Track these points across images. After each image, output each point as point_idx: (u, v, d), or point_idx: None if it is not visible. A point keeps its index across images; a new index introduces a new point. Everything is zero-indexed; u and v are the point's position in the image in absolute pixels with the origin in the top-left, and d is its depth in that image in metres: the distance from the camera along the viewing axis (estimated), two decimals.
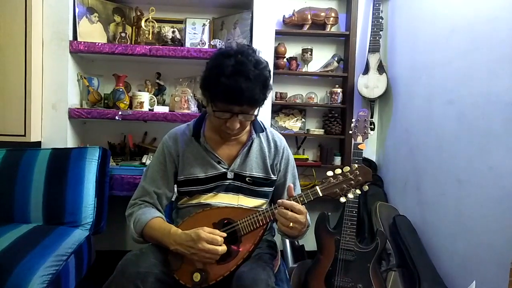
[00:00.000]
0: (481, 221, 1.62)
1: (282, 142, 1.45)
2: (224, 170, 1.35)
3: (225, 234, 1.16)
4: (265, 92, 1.22)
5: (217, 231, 1.16)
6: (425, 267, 1.85)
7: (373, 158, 2.65)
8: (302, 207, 1.16)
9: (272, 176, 1.39)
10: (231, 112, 1.20)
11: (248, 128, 1.36)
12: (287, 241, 2.25)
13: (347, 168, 1.20)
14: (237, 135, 1.32)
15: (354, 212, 1.86)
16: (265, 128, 1.43)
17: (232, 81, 1.14)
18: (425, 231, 2.01)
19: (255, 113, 1.25)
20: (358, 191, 1.19)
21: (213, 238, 1.12)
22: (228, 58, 1.18)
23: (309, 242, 1.84)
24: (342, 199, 1.18)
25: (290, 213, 1.14)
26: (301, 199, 1.17)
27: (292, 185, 1.23)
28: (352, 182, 1.18)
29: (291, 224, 1.14)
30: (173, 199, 1.45)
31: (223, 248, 1.13)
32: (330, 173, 1.20)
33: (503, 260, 1.48)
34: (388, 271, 1.99)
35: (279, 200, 1.18)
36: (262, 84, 1.19)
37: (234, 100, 1.17)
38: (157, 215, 1.29)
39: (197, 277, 1.14)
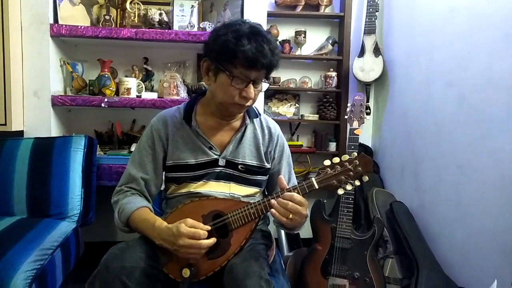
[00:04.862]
0: (481, 207, 1.58)
1: (276, 129, 1.39)
2: (216, 156, 1.28)
3: (209, 228, 1.09)
4: (278, 58, 1.19)
5: (201, 224, 1.09)
6: (423, 254, 1.82)
7: (368, 143, 2.61)
8: (302, 198, 1.10)
9: (266, 164, 1.33)
10: (248, 79, 1.16)
11: (241, 114, 1.30)
12: None
13: (345, 157, 1.12)
14: (249, 107, 1.27)
15: (350, 199, 1.82)
16: (259, 114, 1.37)
17: (255, 43, 1.11)
18: (423, 218, 1.97)
19: (267, 81, 1.23)
20: (357, 183, 1.11)
21: (194, 232, 1.05)
22: (240, 24, 1.15)
23: (305, 230, 1.79)
24: (340, 191, 1.11)
25: (291, 203, 1.08)
26: (296, 191, 1.10)
27: (282, 177, 1.16)
28: (351, 173, 1.10)
29: (291, 215, 1.08)
30: (162, 188, 1.38)
31: (207, 242, 1.06)
32: (327, 162, 1.13)
33: (503, 247, 1.46)
34: (385, 258, 1.97)
35: (286, 194, 1.10)
36: (276, 48, 1.18)
37: (256, 63, 1.12)
38: (142, 205, 1.21)
39: (186, 272, 1.08)
